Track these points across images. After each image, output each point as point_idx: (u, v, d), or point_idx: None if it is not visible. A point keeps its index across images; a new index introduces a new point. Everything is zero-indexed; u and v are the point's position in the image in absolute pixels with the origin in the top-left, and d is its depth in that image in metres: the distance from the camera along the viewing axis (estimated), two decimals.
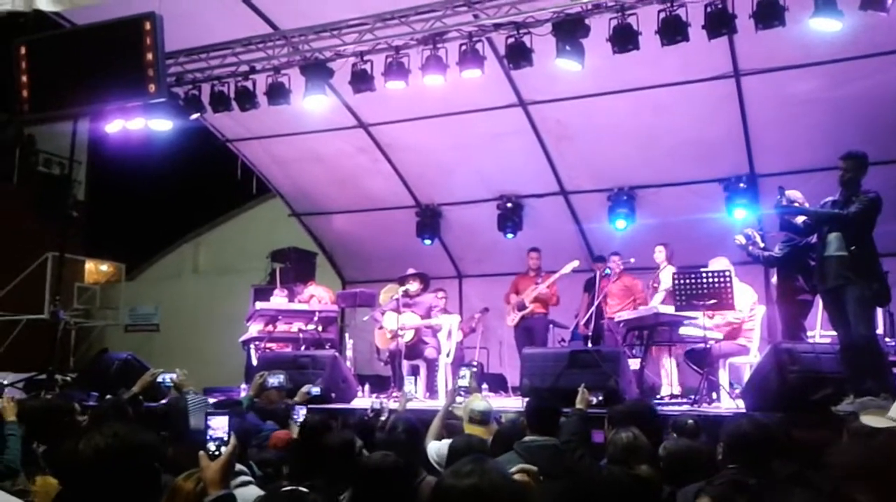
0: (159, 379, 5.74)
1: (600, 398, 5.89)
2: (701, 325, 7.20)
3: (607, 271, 9.29)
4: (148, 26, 6.12)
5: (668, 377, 8.13)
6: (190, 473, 2.18)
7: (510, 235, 10.74)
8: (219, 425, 2.32)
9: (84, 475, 1.91)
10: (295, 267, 12.19)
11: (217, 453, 2.27)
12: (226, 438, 2.30)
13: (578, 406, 4.91)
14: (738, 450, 3.50)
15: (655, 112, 9.02)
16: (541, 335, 9.53)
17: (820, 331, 7.46)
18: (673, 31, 6.85)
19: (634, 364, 7.67)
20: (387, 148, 10.60)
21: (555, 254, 9.85)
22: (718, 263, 7.71)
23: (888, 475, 2.05)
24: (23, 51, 6.47)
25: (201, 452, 2.27)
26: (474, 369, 6.55)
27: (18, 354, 12.26)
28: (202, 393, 8.93)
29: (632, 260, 9.08)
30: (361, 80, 8.14)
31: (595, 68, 7.74)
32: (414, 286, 9.04)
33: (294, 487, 2.06)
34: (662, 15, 6.91)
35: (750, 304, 7.74)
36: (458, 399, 5.82)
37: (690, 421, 4.79)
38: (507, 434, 4.46)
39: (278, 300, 10.29)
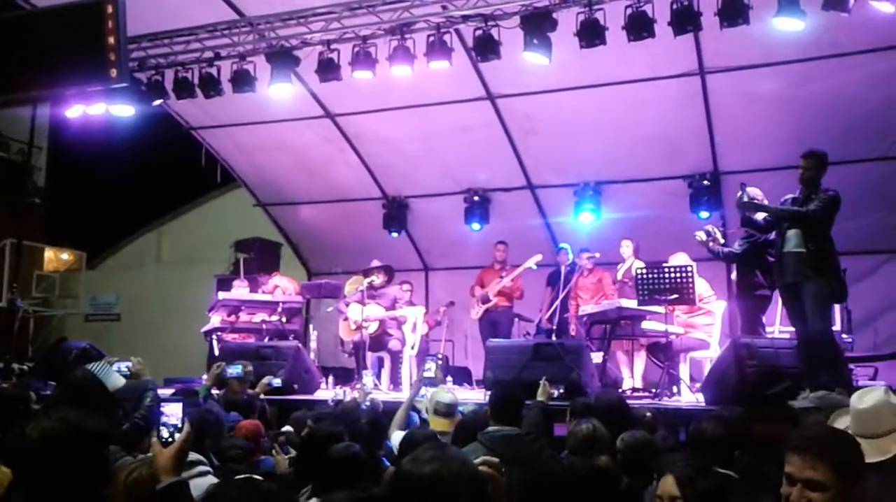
0: (114, 367, 5.66)
1: (561, 391, 5.94)
2: (663, 319, 7.29)
3: (573, 265, 9.31)
4: (110, 9, 6.03)
5: (630, 370, 8.20)
6: (141, 460, 2.15)
7: (477, 228, 10.76)
8: (172, 411, 2.30)
9: (31, 460, 1.87)
10: (259, 257, 12.10)
11: (170, 440, 2.24)
12: (179, 425, 2.28)
13: (540, 398, 4.94)
14: (700, 446, 3.56)
15: (622, 108, 9.08)
16: (505, 328, 9.56)
17: (779, 327, 7.59)
18: (639, 27, 6.92)
19: (597, 358, 7.73)
20: (354, 138, 10.55)
21: (521, 248, 9.88)
22: (678, 258, 7.80)
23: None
24: None
25: (154, 439, 2.24)
26: (440, 361, 6.57)
27: None
28: (162, 383, 8.90)
29: (597, 254, 9.13)
30: (328, 70, 8.09)
31: (563, 63, 7.77)
32: (379, 278, 9.01)
33: (249, 475, 2.04)
34: (629, 11, 6.97)
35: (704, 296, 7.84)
36: (423, 390, 5.83)
37: (648, 413, 4.85)
38: (471, 424, 4.48)
39: (241, 290, 10.21)
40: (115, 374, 4.37)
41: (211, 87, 8.61)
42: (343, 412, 5.60)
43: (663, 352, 7.54)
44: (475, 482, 1.89)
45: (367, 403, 6.08)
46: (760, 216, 6.54)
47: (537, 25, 7.21)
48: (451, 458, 1.89)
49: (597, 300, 8.85)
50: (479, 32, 7.53)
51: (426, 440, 3.48)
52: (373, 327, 8.75)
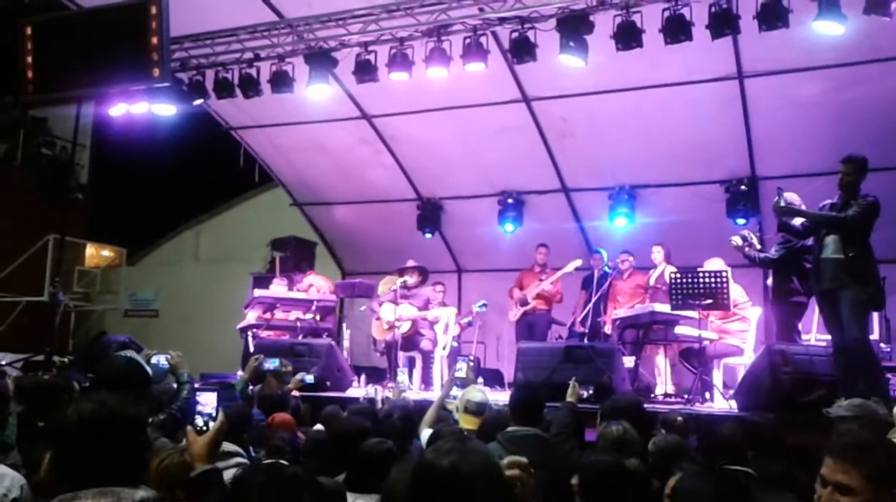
0: (153, 359, 5.77)
1: (591, 391, 5.92)
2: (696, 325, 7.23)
3: (606, 269, 9.28)
4: (154, 10, 6.16)
5: (663, 376, 8.14)
6: (174, 449, 2.20)
7: (510, 231, 10.76)
8: (207, 401, 2.35)
9: (69, 441, 1.93)
10: (295, 256, 12.24)
11: (204, 428, 2.29)
12: (214, 414, 2.33)
13: (569, 399, 4.92)
14: (712, 448, 3.54)
15: (658, 111, 9.02)
16: (542, 331, 9.56)
17: (815, 335, 7.48)
18: (677, 30, 6.87)
19: (629, 362, 7.69)
20: (389, 140, 10.62)
21: (554, 251, 9.86)
22: (713, 264, 7.72)
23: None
24: (28, 32, 6.51)
25: (189, 427, 2.29)
26: (471, 362, 6.57)
27: (18, 336, 12.29)
28: (198, 378, 9.02)
29: (631, 258, 9.08)
30: (365, 71, 8.16)
31: (599, 65, 7.76)
32: (412, 278, 9.07)
33: (275, 460, 2.08)
34: (667, 13, 6.93)
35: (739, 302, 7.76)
36: (454, 390, 5.85)
37: (679, 417, 4.81)
38: (492, 424, 4.49)
39: (277, 288, 10.33)
40: (152, 367, 4.46)
41: (250, 87, 8.73)
42: (384, 409, 5.64)
43: (696, 358, 7.47)
44: (494, 476, 1.89)
45: (370, 396, 6.11)
46: (798, 221, 6.45)
47: (574, 28, 7.20)
48: (472, 451, 1.90)
49: (634, 304, 8.81)
50: (515, 34, 7.54)
51: (451, 435, 3.50)
52: (405, 327, 8.80)
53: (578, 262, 9.34)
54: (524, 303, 9.60)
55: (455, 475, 1.81)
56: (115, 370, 3.62)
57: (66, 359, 9.53)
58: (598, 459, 3.48)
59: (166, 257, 16.58)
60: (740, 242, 7.19)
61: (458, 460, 1.84)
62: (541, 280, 9.60)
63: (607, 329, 8.93)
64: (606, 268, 9.31)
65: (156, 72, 6.26)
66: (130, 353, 4.26)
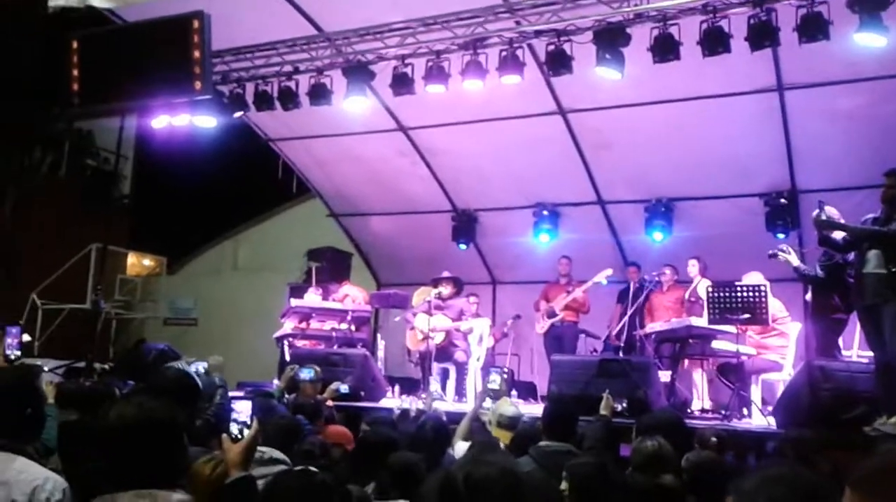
0: (193, 367, 5.87)
1: (625, 404, 5.86)
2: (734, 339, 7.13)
3: (643, 282, 9.20)
4: (196, 24, 6.28)
5: (699, 391, 8.04)
6: (210, 456, 2.23)
7: (545, 242, 10.75)
8: (242, 409, 2.38)
9: (109, 442, 1.97)
10: (331, 266, 12.34)
11: (239, 436, 2.32)
12: (249, 422, 2.36)
13: (602, 412, 4.89)
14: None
15: (696, 123, 8.96)
16: (570, 343, 9.56)
17: (857, 351, 7.32)
18: (715, 42, 6.82)
19: (665, 376, 7.61)
20: (425, 152, 10.68)
21: (589, 264, 9.82)
22: (752, 278, 7.61)
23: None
24: (75, 45, 6.68)
25: (224, 435, 2.32)
26: (505, 374, 6.56)
27: (60, 342, 12.55)
28: (235, 386, 9.15)
29: (667, 271, 9.01)
30: (402, 84, 8.22)
31: (635, 77, 7.73)
32: (447, 289, 9.09)
33: (305, 467, 2.10)
34: (704, 26, 6.88)
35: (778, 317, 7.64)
36: (487, 403, 5.85)
37: (714, 438, 4.74)
38: (524, 437, 4.47)
39: (313, 298, 10.43)
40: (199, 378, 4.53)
41: (289, 99, 8.85)
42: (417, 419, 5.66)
43: (734, 373, 7.37)
44: (512, 489, 1.89)
45: (404, 407, 6.13)
46: (839, 235, 6.34)
47: (610, 40, 7.18)
48: (492, 464, 1.91)
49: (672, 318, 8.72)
50: (551, 47, 7.55)
51: (485, 448, 3.50)
52: (439, 338, 8.82)
53: (609, 272, 9.32)
54: (552, 314, 9.61)
55: (473, 485, 1.82)
56: (166, 382, 3.68)
57: (106, 366, 9.73)
58: (634, 477, 3.46)
59: (205, 266, 16.82)
60: (782, 255, 7.08)
61: (472, 470, 1.85)
62: (567, 291, 9.60)
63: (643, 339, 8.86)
64: (643, 281, 9.23)
65: (198, 84, 6.38)
66: (181, 365, 4.33)
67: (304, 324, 9.88)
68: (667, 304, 9.04)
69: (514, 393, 8.77)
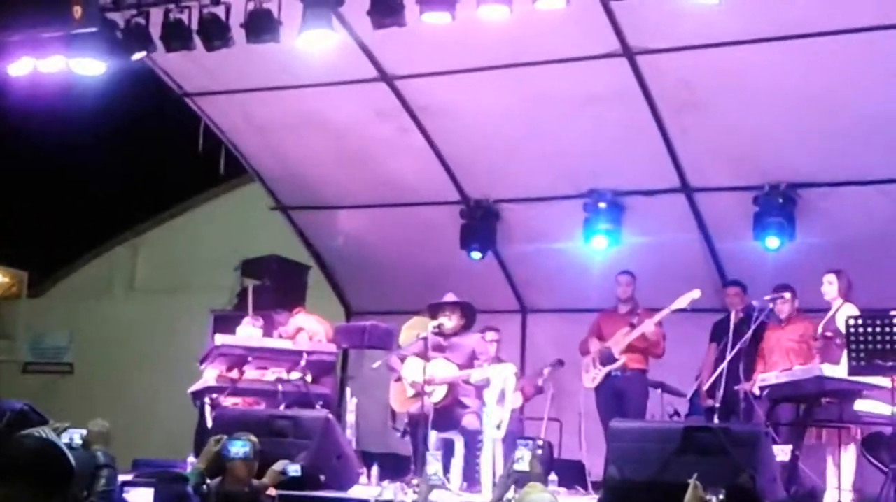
0: (64, 437, 5.86)
1: (721, 497, 5.83)
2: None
3: (751, 310, 9.17)
4: None
5: (836, 476, 8.03)
6: None
7: (601, 251, 10.77)
8: (140, 500, 2.39)
9: None
10: (277, 285, 12.35)
11: None
12: None
13: None
14: None
15: (834, 73, 9.00)
16: (637, 402, 9.61)
17: None
18: None
19: (783, 453, 7.60)
20: (421, 112, 10.72)
21: (667, 283, 9.86)
22: None
23: None
24: None
25: None
26: (539, 449, 6.56)
27: None
28: (129, 465, 9.14)
29: (786, 295, 9.01)
30: (386, 11, 8.24)
31: (740, 2, 7.75)
32: (451, 321, 9.07)
33: None
34: None
35: None
36: (510, 494, 5.85)
37: None
38: None
39: (249, 332, 10.44)
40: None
41: (216, 34, 8.85)
42: None
43: (888, 449, 7.35)
44: None
45: (386, 498, 6.13)
46: None
47: None
48: None
49: (793, 365, 8.71)
50: None
51: None
52: (439, 394, 8.81)
53: (696, 295, 9.33)
54: (607, 359, 9.64)
55: None
56: (23, 459, 3.65)
57: None
58: None
59: (86, 285, 16.78)
60: None
61: None
62: (632, 325, 9.62)
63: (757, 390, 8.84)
64: (750, 310, 9.22)
65: (77, 10, 6.41)
66: (46, 432, 4.32)
67: (235, 373, 9.87)
68: (787, 344, 9.01)
69: (553, 477, 8.77)
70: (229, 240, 13.89)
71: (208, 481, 6.39)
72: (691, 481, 5.16)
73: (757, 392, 8.77)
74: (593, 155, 10.53)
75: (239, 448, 6.54)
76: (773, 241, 10.05)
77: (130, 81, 10.47)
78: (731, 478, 6.51)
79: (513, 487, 5.92)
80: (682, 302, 9.37)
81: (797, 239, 10.04)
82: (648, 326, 9.56)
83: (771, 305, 9.01)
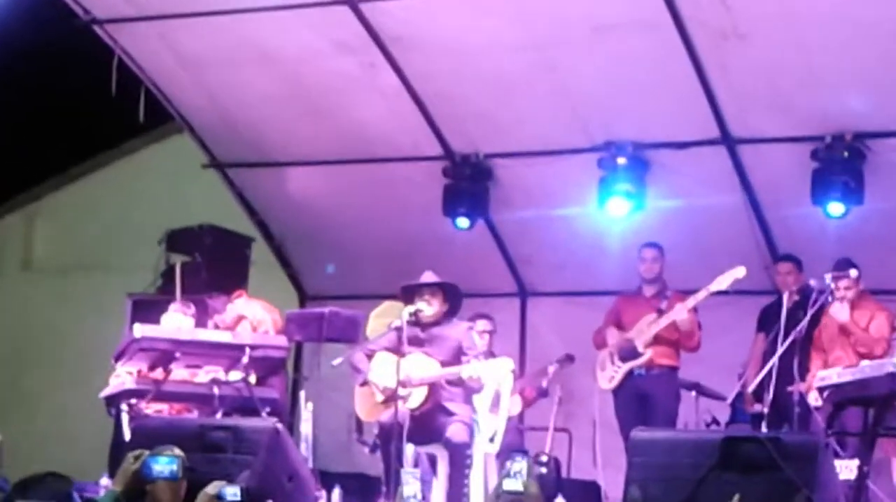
0: None
1: None
2: None
3: (808, 292, 9.21)
4: None
5: None
6: None
7: (621, 219, 10.81)
8: None
9: None
10: (212, 263, 12.32)
11: None
12: None
13: None
14: None
15: None
16: (665, 407, 9.69)
17: None
18: None
19: (848, 469, 7.64)
20: (393, 44, 10.71)
21: (703, 259, 9.90)
22: None
23: None
24: None
25: None
26: (542, 466, 6.58)
27: None
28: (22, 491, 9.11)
29: (852, 272, 9.03)
30: None
31: None
32: (432, 306, 9.06)
33: None
34: None
35: None
36: None
37: None
38: None
39: (177, 321, 10.42)
40: None
41: None
42: None
43: None
44: None
45: None
46: None
47: None
48: None
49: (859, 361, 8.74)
50: None
51: None
52: (417, 398, 8.80)
53: (740, 273, 9.39)
54: (629, 354, 9.69)
55: None
56: None
57: None
58: None
59: None
60: None
61: None
62: (659, 311, 9.67)
63: (814, 400, 8.87)
64: (807, 292, 9.25)
65: None
66: None
67: (159, 373, 9.84)
68: (851, 335, 9.06)
69: (559, 499, 8.81)
70: (151, 206, 13.82)
71: None
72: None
73: (813, 400, 8.82)
74: (610, 98, 10.54)
75: (163, 465, 6.52)
76: (836, 207, 10.07)
77: (24, 4, 10.37)
78: (783, 500, 6.56)
79: None
80: (723, 282, 9.40)
81: (866, 203, 10.07)
82: (680, 313, 9.59)
83: (833, 285, 9.03)
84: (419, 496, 8.00)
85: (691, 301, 9.59)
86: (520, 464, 6.01)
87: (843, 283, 9.07)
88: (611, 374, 9.80)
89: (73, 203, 16.10)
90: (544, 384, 10.86)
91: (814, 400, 8.82)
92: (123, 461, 6.53)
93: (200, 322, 10.61)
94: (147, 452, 6.55)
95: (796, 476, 6.77)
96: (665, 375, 9.78)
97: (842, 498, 7.23)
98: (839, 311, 9.05)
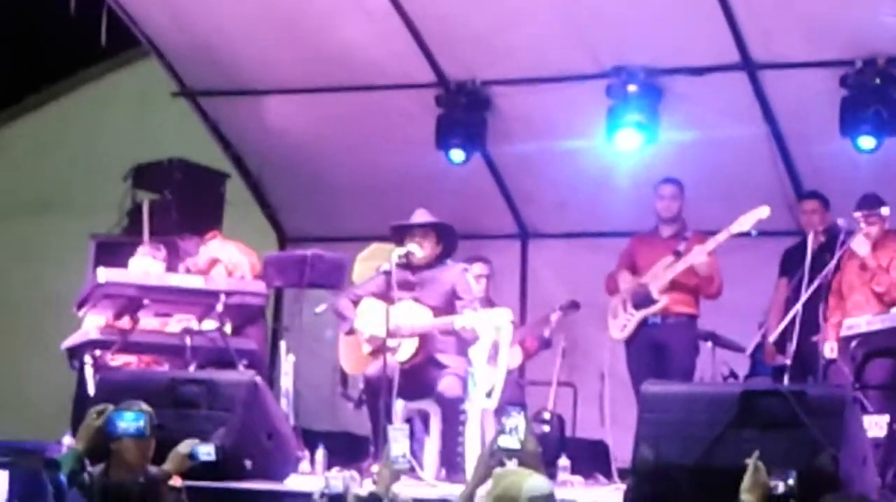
0: None
1: (792, 482, 5.90)
2: None
3: (836, 232, 9.21)
4: None
5: None
6: None
7: (632, 153, 10.81)
8: None
9: None
10: (182, 201, 12.28)
11: None
12: None
13: (744, 497, 4.95)
14: None
15: None
16: (681, 359, 9.70)
17: None
18: None
19: (876, 425, 7.67)
20: None
21: (724, 197, 9.91)
22: None
23: None
24: None
25: None
26: (545, 423, 6.60)
27: None
28: None
29: (883, 210, 9.04)
30: None
31: None
32: (424, 249, 9.07)
33: None
34: None
35: None
36: (500, 470, 5.87)
37: None
38: None
39: (145, 265, 10.43)
40: None
41: None
42: None
43: None
44: None
45: (333, 491, 6.15)
46: None
47: None
48: None
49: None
50: None
51: None
52: (407, 349, 8.84)
53: (763, 212, 9.40)
54: (644, 300, 9.72)
55: None
56: None
57: None
58: None
59: None
60: None
61: None
62: (677, 253, 9.68)
63: (829, 351, 8.94)
64: (834, 232, 9.26)
65: None
66: None
67: (126, 321, 9.85)
68: (867, 277, 9.09)
69: (563, 462, 8.85)
70: (115, 139, 13.79)
71: (89, 468, 6.40)
72: (751, 461, 5.21)
73: (828, 352, 8.85)
74: (620, 18, 10.50)
75: (128, 422, 6.53)
76: (867, 140, 10.07)
77: None
78: (807, 459, 6.58)
79: (498, 468, 5.90)
80: (745, 222, 9.40)
81: None
82: (699, 256, 9.58)
83: (863, 225, 9.04)
84: (408, 455, 8.04)
85: (711, 243, 9.56)
86: (515, 419, 6.00)
87: (873, 222, 9.08)
88: (623, 323, 9.79)
89: (28, 137, 16.07)
90: (547, 334, 10.84)
91: (829, 351, 8.88)
92: (86, 417, 6.56)
93: (171, 266, 10.64)
94: (111, 407, 6.57)
95: (820, 433, 6.80)
96: (682, 324, 9.79)
97: (870, 456, 7.27)
98: (860, 245, 9.04)
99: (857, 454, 7.00)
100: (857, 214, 9.07)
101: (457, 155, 11.37)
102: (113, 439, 6.51)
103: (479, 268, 10.28)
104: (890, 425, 7.84)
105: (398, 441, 7.48)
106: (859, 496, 5.86)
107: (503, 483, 5.09)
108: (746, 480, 5.10)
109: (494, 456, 5.82)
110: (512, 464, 5.50)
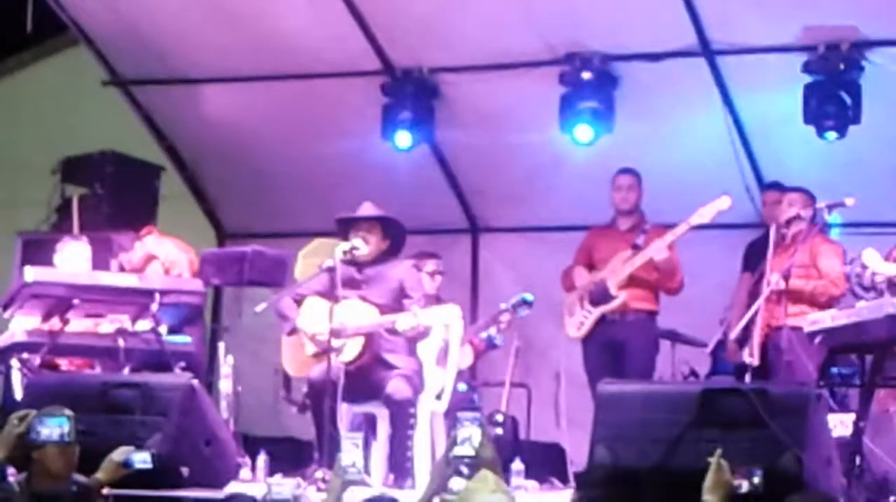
0: None
1: (756, 481, 5.94)
2: None
3: (777, 226, 9.28)
4: None
5: None
6: None
7: (586, 143, 10.84)
8: None
9: None
10: (115, 195, 12.25)
11: None
12: None
13: (706, 497, 4.99)
14: None
15: None
16: (641, 357, 9.72)
17: None
18: None
19: (842, 424, 7.73)
20: None
21: (683, 188, 9.99)
22: None
23: None
24: None
25: None
26: (497, 426, 6.61)
27: None
28: None
29: (848, 201, 9.10)
30: None
31: None
32: (369, 244, 9.07)
33: None
34: None
35: None
36: (455, 481, 5.89)
37: None
38: None
39: (74, 261, 10.39)
40: None
41: None
42: None
43: None
44: None
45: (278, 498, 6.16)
46: None
47: None
48: None
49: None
50: None
51: None
52: (353, 349, 8.83)
53: (724, 204, 9.46)
54: (602, 296, 9.73)
55: None
56: None
57: None
58: None
59: None
60: None
61: None
62: (635, 247, 9.69)
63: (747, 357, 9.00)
64: (796, 221, 9.32)
65: None
66: None
67: (55, 323, 9.82)
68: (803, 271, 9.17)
69: (517, 467, 8.88)
70: (42, 131, 13.72)
71: (12, 477, 6.37)
72: (714, 459, 5.24)
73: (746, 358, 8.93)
74: (574, 1, 10.57)
75: (51, 428, 6.47)
76: (830, 128, 10.13)
77: None
78: (770, 460, 6.63)
79: (456, 478, 5.91)
80: (705, 214, 9.44)
81: (863, 123, 10.12)
82: (659, 251, 9.63)
83: (827, 216, 9.09)
84: (360, 465, 8.06)
85: (669, 236, 9.58)
86: (468, 430, 6.00)
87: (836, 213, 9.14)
88: (580, 320, 9.78)
89: None
90: (495, 333, 10.84)
91: (747, 357, 8.97)
92: (8, 422, 6.51)
93: (103, 263, 10.56)
94: (33, 412, 6.53)
95: (784, 432, 6.85)
96: (641, 321, 9.80)
97: (835, 456, 7.33)
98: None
99: (821, 454, 7.05)
100: (822, 205, 9.11)
101: (402, 139, 11.36)
102: (35, 446, 6.47)
103: (432, 265, 10.26)
104: (855, 423, 7.90)
105: (350, 450, 7.52)
106: (824, 496, 5.90)
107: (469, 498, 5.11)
108: (709, 479, 5.13)
109: (450, 466, 5.83)
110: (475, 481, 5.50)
